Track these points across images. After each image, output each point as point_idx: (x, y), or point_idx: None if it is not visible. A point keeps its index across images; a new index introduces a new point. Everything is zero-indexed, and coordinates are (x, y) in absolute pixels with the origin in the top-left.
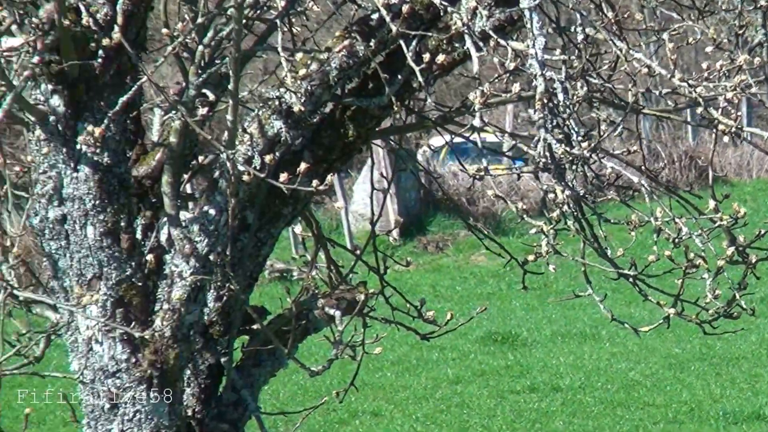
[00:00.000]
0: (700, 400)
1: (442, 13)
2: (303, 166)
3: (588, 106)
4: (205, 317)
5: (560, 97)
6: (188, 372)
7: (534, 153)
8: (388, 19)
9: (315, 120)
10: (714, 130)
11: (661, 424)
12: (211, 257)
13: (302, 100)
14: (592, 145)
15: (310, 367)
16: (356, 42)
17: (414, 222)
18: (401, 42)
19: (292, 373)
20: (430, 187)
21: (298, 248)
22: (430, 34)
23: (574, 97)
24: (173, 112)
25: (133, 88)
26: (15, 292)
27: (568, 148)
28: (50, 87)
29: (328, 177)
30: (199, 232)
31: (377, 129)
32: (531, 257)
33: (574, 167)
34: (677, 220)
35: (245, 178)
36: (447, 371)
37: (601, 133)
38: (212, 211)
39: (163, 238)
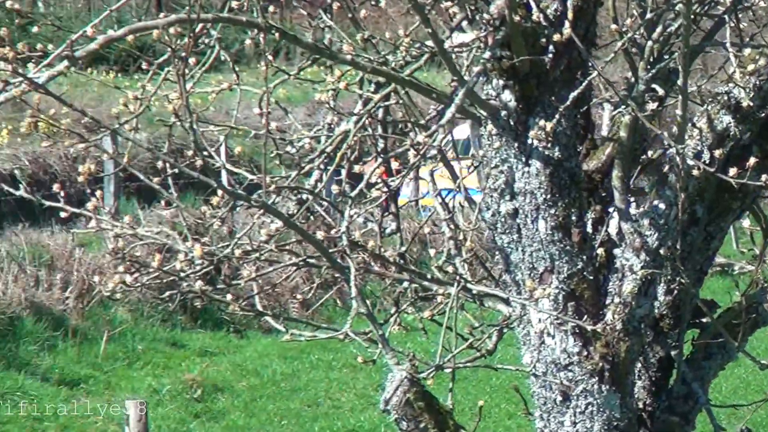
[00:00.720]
0: None
1: None
2: (752, 160)
3: None
4: (656, 311)
5: None
6: (639, 365)
7: None
8: None
9: (763, 114)
10: None
11: None
12: (661, 251)
13: (751, 95)
14: None
15: (761, 360)
16: None
17: None
18: None
19: (734, 367)
20: None
21: (739, 243)
22: None
23: None
24: (623, 107)
25: (584, 84)
26: (468, 285)
27: None
28: (501, 82)
29: None
30: (648, 226)
31: None
32: None
33: None
34: None
35: (695, 172)
36: None
37: None
38: (662, 206)
39: (612, 231)
